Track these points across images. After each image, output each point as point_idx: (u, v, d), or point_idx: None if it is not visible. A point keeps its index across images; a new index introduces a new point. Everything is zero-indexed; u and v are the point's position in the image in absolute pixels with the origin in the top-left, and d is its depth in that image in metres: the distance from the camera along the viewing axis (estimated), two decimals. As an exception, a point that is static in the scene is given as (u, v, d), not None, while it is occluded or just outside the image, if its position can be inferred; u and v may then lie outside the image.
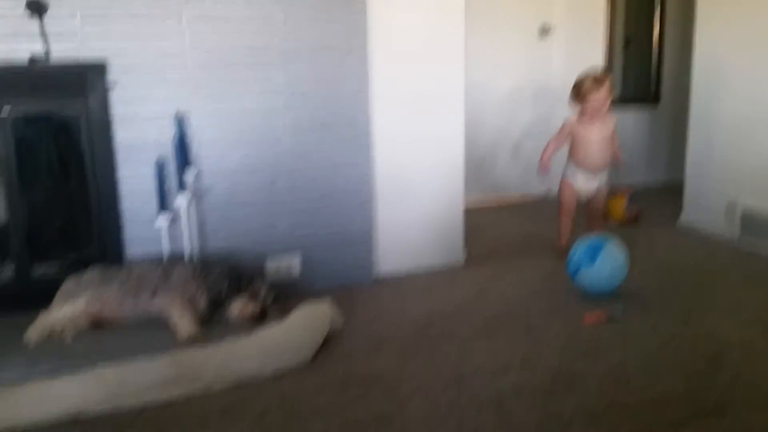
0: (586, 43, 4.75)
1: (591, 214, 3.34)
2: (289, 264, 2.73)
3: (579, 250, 2.66)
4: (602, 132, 3.14)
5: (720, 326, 2.32)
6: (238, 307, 2.30)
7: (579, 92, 3.08)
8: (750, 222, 3.31)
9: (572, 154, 3.22)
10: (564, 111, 4.71)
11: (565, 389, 1.90)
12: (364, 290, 2.79)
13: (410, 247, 3.03)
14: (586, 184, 3.20)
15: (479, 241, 3.53)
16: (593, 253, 2.60)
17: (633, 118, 4.92)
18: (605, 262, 2.59)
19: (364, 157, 2.80)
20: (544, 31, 4.60)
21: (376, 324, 2.42)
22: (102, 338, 2.17)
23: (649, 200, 4.30)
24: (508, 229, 3.87)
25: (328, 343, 2.22)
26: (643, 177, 4.93)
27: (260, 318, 2.28)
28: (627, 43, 4.96)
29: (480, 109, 4.48)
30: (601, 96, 3.03)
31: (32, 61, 2.26)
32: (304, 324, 2.17)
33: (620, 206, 3.87)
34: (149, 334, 2.18)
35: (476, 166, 4.48)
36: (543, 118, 4.77)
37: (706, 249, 3.27)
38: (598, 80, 3.05)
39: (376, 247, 2.94)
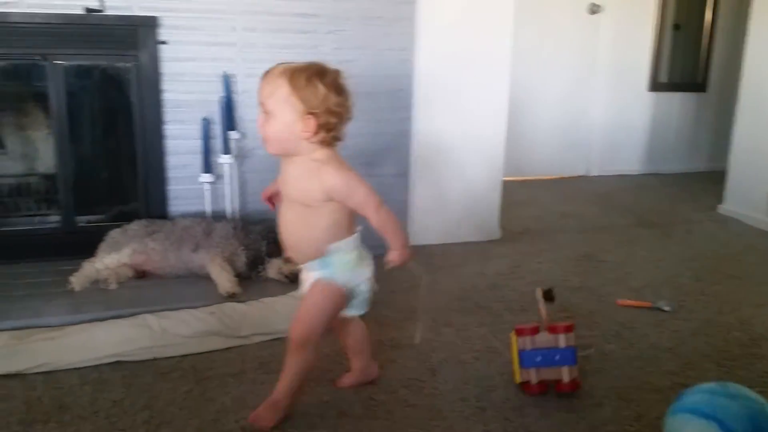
0: (634, 26, 4.66)
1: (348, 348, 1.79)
2: (326, 229, 2.75)
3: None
4: (298, 184, 1.55)
5: (757, 316, 2.29)
6: (276, 267, 2.34)
7: None
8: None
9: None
10: (601, 90, 4.67)
11: (596, 368, 1.90)
12: (398, 260, 2.80)
13: (446, 219, 3.04)
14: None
15: (515, 216, 3.52)
16: None
17: (678, 105, 4.83)
18: None
19: (405, 128, 2.80)
20: (593, 10, 4.52)
21: (409, 294, 2.44)
22: (145, 288, 2.23)
23: (690, 188, 4.26)
24: (544, 205, 3.86)
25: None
26: (684, 164, 4.86)
27: (296, 279, 2.32)
28: (676, 27, 4.84)
29: (524, 87, 4.43)
30: (262, 92, 1.56)
31: (89, 10, 2.29)
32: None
33: None
34: (191, 287, 2.24)
35: (516, 142, 4.44)
36: (583, 97, 4.71)
37: (745, 239, 3.22)
38: (269, 72, 1.56)
39: (411, 218, 2.95)
